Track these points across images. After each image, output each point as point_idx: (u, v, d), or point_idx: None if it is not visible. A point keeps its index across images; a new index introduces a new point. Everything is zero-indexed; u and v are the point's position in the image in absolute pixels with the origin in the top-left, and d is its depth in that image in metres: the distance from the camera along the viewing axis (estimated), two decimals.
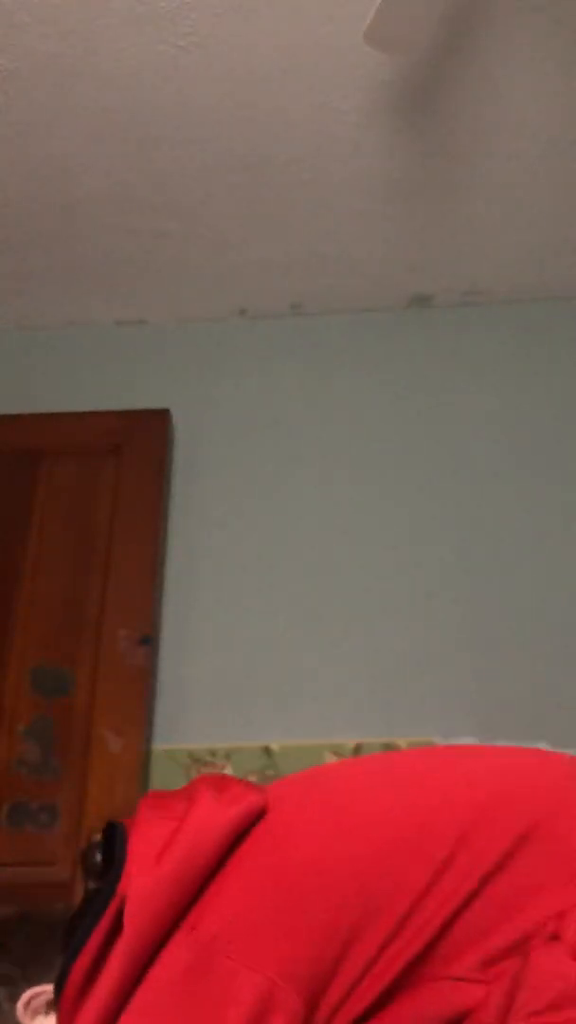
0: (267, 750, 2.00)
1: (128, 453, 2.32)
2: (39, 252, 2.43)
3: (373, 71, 2.00)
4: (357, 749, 1.98)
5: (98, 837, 1.07)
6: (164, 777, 1.99)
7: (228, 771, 2.00)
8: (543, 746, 1.94)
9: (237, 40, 1.94)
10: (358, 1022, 0.93)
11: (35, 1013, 1.03)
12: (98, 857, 1.05)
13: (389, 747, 1.98)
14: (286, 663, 2.11)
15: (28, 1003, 1.04)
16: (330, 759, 1.97)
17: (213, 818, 0.99)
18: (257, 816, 1.01)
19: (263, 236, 2.39)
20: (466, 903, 0.95)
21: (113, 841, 1.03)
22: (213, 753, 2.01)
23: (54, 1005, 1.01)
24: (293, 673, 2.09)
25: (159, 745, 2.03)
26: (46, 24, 1.91)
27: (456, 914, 0.95)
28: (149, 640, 2.08)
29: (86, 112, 2.08)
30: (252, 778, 1.96)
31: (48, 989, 1.03)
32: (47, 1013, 1.03)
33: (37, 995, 1.04)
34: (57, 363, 2.59)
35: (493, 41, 1.95)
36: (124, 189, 2.26)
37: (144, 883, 0.95)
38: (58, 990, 0.98)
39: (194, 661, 2.13)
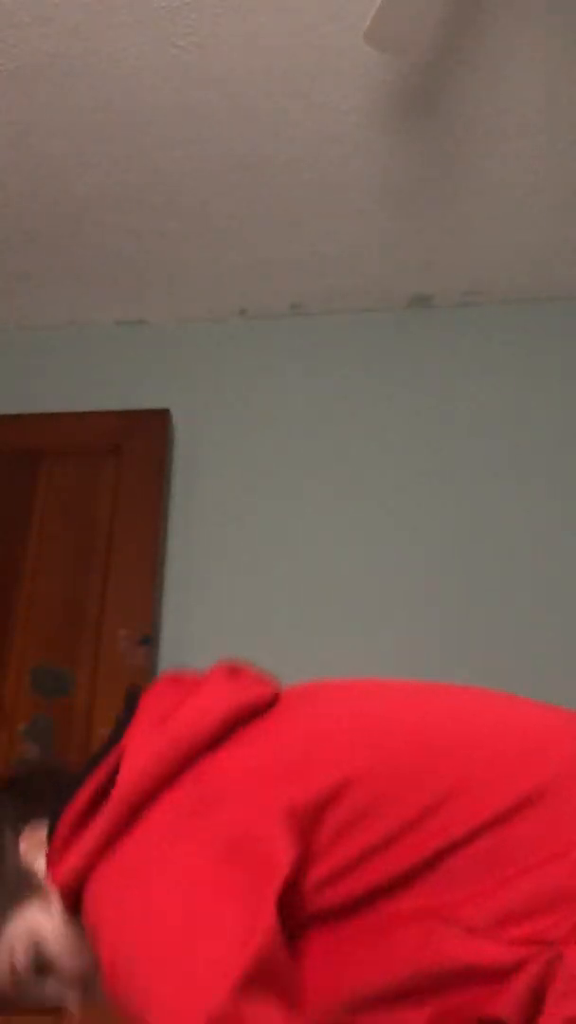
0: None
1: (128, 453, 2.32)
2: (39, 252, 2.43)
3: (373, 71, 2.00)
4: None
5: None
6: None
7: None
8: None
9: (237, 40, 1.94)
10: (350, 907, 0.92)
11: (35, 849, 1.07)
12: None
13: None
14: (286, 663, 2.10)
15: (29, 838, 1.07)
16: None
17: (222, 695, 1.04)
18: (267, 704, 1.05)
19: (263, 236, 2.39)
20: (470, 839, 0.92)
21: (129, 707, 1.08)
22: None
23: (46, 843, 1.05)
24: (292, 673, 2.09)
25: None
26: (46, 24, 1.91)
27: (458, 844, 0.92)
28: (149, 640, 2.09)
29: (86, 112, 2.08)
30: None
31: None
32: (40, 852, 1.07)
33: (37, 829, 1.07)
34: (57, 363, 2.58)
35: (493, 41, 1.95)
36: (124, 189, 2.26)
37: (144, 739, 1.00)
38: (52, 829, 1.02)
39: (194, 661, 2.12)
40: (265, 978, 0.84)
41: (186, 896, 0.90)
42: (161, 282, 2.53)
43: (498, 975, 0.88)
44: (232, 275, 2.50)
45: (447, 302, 2.59)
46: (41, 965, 1.04)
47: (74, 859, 0.98)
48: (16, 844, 1.06)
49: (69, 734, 2.01)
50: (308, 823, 0.93)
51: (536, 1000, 0.85)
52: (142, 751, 0.99)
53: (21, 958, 1.03)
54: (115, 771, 1.00)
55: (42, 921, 1.04)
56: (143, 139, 2.14)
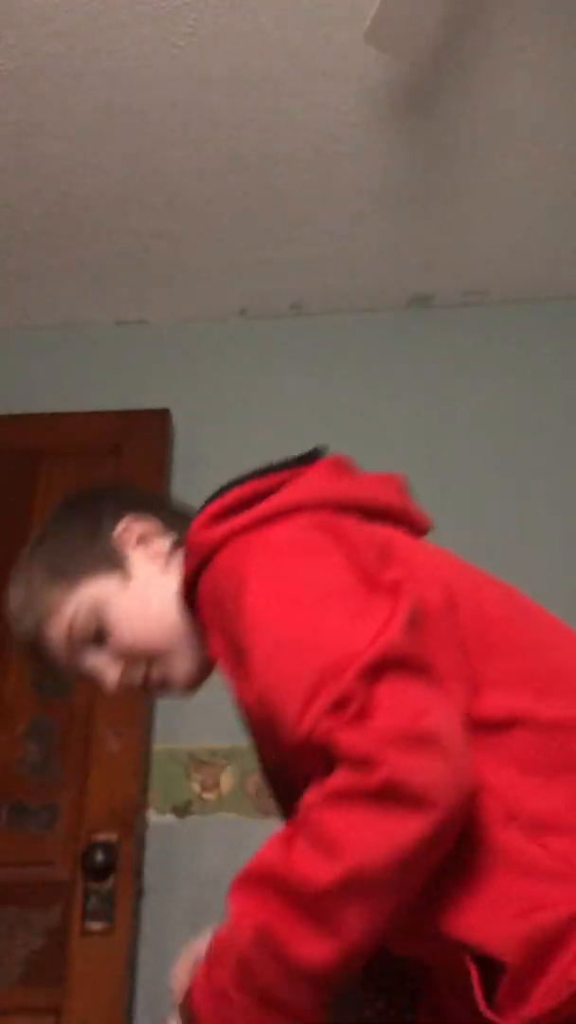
0: None
1: (128, 453, 2.32)
2: (39, 252, 2.43)
3: (373, 71, 2.00)
4: None
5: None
6: (164, 777, 1.99)
7: (228, 771, 2.00)
8: None
9: (237, 40, 1.94)
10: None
11: (129, 534, 1.14)
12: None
13: None
14: None
15: (129, 522, 1.14)
16: None
17: (395, 492, 1.15)
18: (422, 529, 1.20)
19: (263, 236, 2.39)
20: (549, 727, 0.89)
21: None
22: (213, 753, 2.01)
23: (139, 534, 1.13)
24: None
25: (159, 745, 2.03)
26: (46, 24, 1.91)
27: (535, 725, 0.89)
28: None
29: (86, 112, 2.08)
30: (252, 779, 1.96)
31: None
32: (139, 544, 1.13)
33: (138, 520, 1.14)
34: (57, 363, 2.58)
35: (494, 41, 1.95)
36: (124, 189, 2.26)
37: (319, 478, 1.07)
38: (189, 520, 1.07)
39: None
40: (419, 624, 0.87)
41: (329, 571, 0.93)
42: (161, 282, 2.53)
43: (511, 872, 0.82)
44: (232, 275, 2.50)
45: (447, 302, 2.59)
46: (100, 632, 1.09)
47: (219, 531, 1.01)
48: (114, 523, 1.14)
49: (69, 734, 2.01)
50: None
51: (544, 952, 0.79)
52: (315, 484, 1.05)
53: (83, 619, 1.09)
54: (276, 487, 1.04)
55: (116, 593, 1.10)
56: (143, 139, 2.14)
